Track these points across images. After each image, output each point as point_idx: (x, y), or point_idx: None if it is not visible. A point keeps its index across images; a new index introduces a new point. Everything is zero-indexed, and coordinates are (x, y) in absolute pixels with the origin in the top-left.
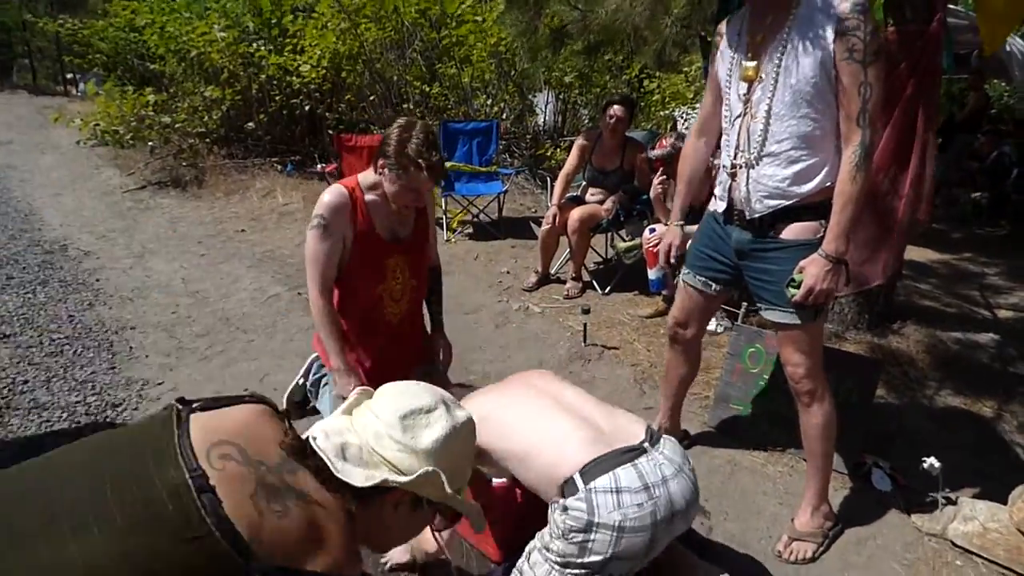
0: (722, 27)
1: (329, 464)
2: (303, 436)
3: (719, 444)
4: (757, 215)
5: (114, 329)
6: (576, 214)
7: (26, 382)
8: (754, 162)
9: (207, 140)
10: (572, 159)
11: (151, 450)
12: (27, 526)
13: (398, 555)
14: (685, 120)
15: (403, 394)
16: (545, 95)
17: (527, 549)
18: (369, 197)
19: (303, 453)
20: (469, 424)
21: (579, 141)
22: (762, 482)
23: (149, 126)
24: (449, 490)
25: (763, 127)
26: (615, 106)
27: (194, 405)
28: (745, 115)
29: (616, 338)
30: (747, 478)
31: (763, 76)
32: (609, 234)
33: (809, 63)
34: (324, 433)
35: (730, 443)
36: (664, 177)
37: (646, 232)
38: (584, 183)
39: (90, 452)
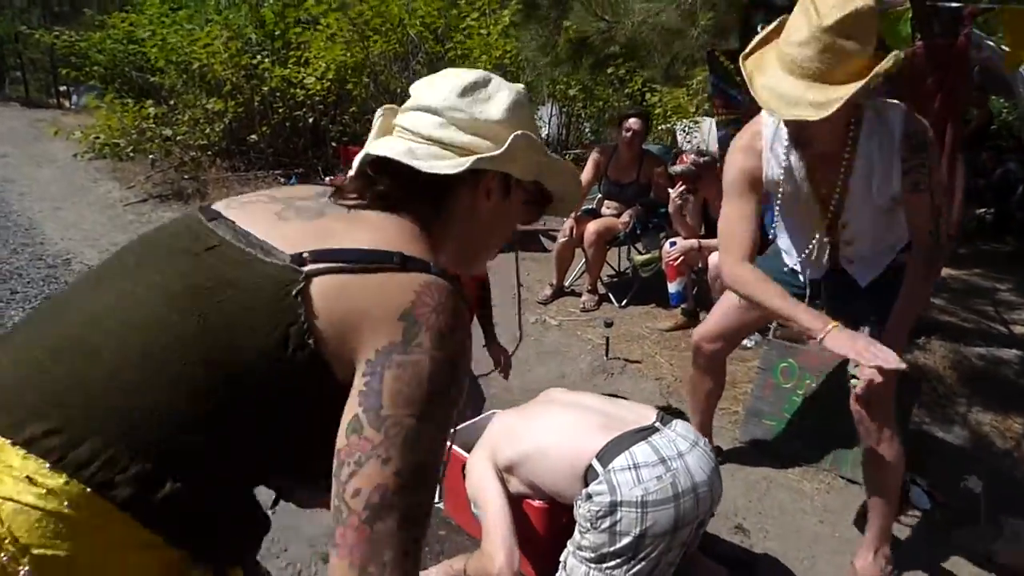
0: (756, 134)
1: (407, 163)
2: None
3: (753, 461)
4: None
5: None
6: (593, 227)
7: None
8: (846, 268)
9: (209, 152)
10: (587, 172)
11: (174, 229)
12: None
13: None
14: (686, 133)
15: (447, 77)
16: (548, 107)
17: (561, 559)
18: None
19: (363, 183)
20: (524, 89)
21: (594, 155)
22: (799, 499)
23: (150, 139)
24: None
25: (850, 245)
26: (632, 119)
27: None
28: (825, 238)
29: (637, 351)
30: (784, 495)
31: (833, 207)
32: (624, 247)
33: (881, 190)
34: (387, 146)
35: (763, 460)
36: (683, 189)
37: (666, 246)
38: (600, 196)
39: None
